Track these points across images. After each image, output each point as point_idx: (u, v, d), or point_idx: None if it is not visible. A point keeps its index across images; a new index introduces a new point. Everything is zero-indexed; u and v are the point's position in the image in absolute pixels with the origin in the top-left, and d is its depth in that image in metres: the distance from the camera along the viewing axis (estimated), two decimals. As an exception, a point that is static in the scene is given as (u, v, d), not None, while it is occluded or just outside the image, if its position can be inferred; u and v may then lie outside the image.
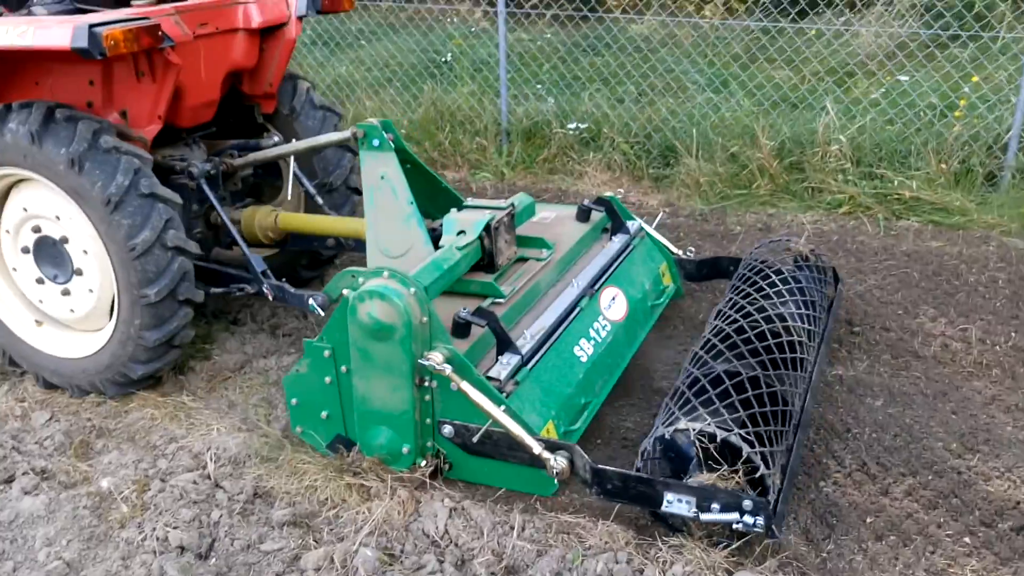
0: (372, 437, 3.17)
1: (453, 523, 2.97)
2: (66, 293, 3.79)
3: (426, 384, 3.05)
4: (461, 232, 3.52)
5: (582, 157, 6.51)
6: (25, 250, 3.82)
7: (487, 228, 3.50)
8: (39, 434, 3.58)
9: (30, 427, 3.65)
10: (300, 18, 4.15)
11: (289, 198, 4.44)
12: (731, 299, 3.65)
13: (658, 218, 4.77)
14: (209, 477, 3.26)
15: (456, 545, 2.90)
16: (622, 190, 4.82)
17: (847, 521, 2.94)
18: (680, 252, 4.44)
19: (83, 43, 3.14)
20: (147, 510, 3.10)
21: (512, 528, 2.91)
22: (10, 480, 3.31)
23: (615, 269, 3.95)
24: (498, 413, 2.90)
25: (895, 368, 3.86)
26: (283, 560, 2.89)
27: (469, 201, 3.93)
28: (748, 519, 2.61)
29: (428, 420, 3.12)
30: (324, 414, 3.25)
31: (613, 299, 3.81)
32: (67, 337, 3.91)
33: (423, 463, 3.15)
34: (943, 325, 4.17)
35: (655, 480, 2.76)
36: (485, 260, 3.54)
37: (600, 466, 2.82)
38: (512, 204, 3.76)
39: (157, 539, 2.93)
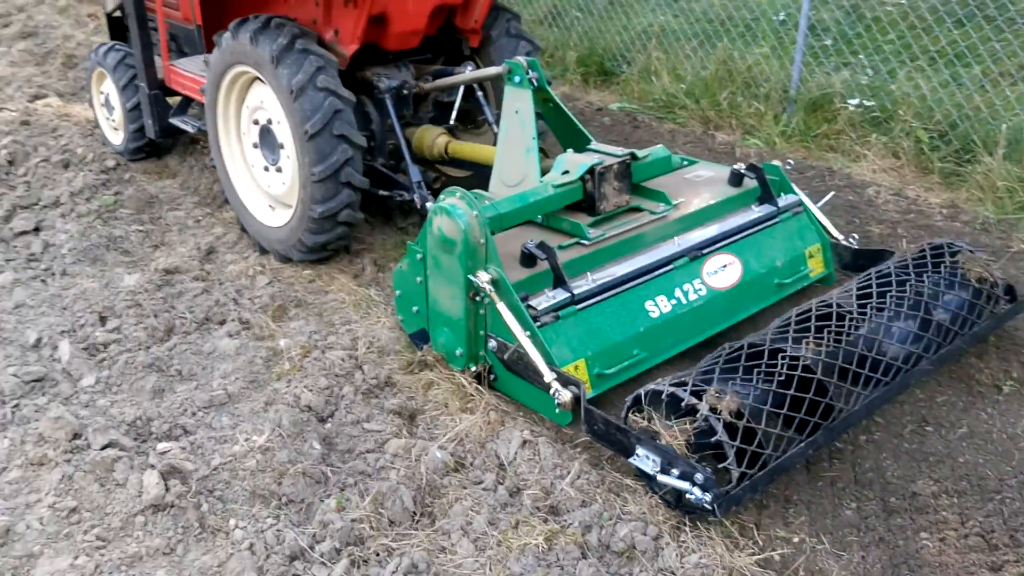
0: (438, 335, 3.56)
1: (522, 452, 3.15)
2: (279, 170, 4.48)
3: (479, 299, 3.31)
4: (565, 172, 3.67)
5: (864, 138, 6.04)
6: (255, 145, 4.60)
7: (590, 171, 3.62)
8: (255, 292, 4.30)
9: (253, 285, 4.39)
10: None
11: (488, 125, 4.80)
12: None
13: (826, 198, 4.38)
14: (356, 358, 3.75)
15: (516, 473, 3.10)
16: (792, 162, 4.43)
17: (916, 575, 2.69)
18: (841, 237, 4.12)
19: None
20: (301, 371, 3.66)
21: (568, 473, 3.05)
22: (222, 323, 4.04)
23: (741, 238, 3.84)
24: (522, 337, 3.11)
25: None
26: (376, 440, 3.29)
27: (593, 144, 4.02)
28: (698, 492, 2.63)
29: (481, 332, 3.39)
30: (415, 308, 3.65)
31: (724, 266, 3.73)
32: (275, 211, 4.66)
33: (473, 368, 3.47)
34: None
35: (631, 431, 2.85)
36: (586, 202, 3.66)
37: (591, 408, 2.95)
38: (631, 153, 3.79)
39: (294, 395, 3.46)
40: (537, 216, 3.70)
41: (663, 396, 2.83)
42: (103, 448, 2.96)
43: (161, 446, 3.07)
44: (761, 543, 2.75)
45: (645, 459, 2.81)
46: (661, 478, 2.75)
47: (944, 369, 3.71)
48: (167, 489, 2.79)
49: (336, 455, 3.19)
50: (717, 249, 3.76)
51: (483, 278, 3.20)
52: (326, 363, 3.66)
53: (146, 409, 3.28)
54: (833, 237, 4.14)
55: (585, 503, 2.92)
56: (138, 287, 4.21)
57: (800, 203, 4.10)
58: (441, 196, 3.43)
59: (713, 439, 2.69)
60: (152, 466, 2.86)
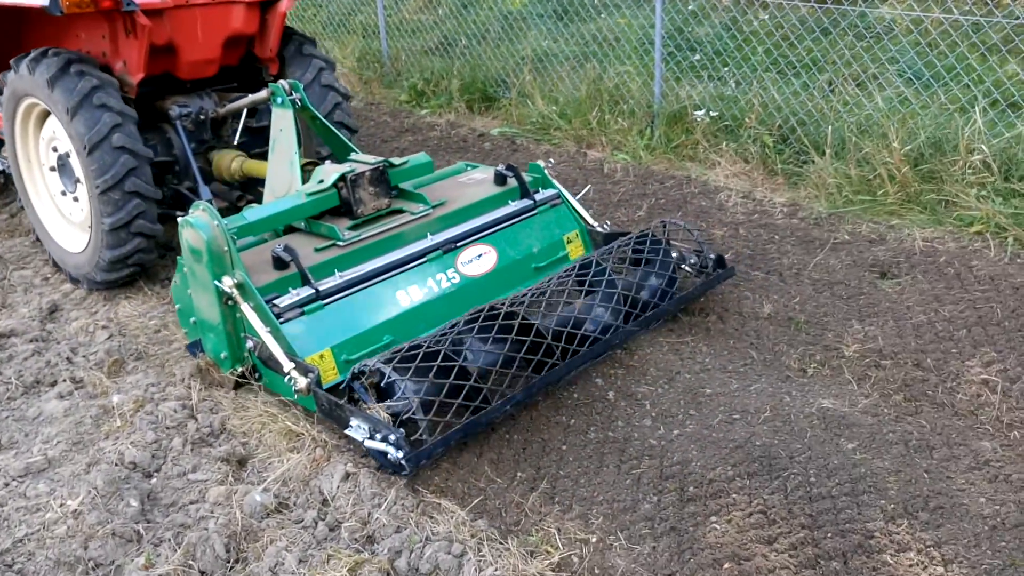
0: (205, 341, 3.82)
1: (344, 485, 3.16)
2: (76, 200, 4.71)
3: (231, 303, 3.55)
4: (320, 181, 4.00)
5: (717, 146, 6.23)
6: (52, 168, 4.83)
7: (343, 178, 3.96)
8: (92, 348, 4.21)
9: (91, 341, 4.30)
10: None
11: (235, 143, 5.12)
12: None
13: (583, 191, 4.91)
14: (190, 408, 3.70)
15: (336, 507, 3.09)
16: (552, 161, 4.83)
17: (698, 558, 2.75)
18: (596, 224, 4.57)
19: (46, 2, 4.09)
20: (130, 427, 3.60)
21: (385, 500, 3.05)
22: (52, 384, 3.96)
23: (498, 230, 4.23)
24: (263, 333, 3.42)
25: (900, 412, 3.43)
26: (200, 491, 3.25)
27: (352, 156, 4.38)
28: (394, 452, 3.02)
29: (243, 334, 3.65)
30: (192, 319, 3.86)
31: (480, 255, 4.12)
32: (76, 237, 4.85)
33: (239, 368, 3.73)
34: (993, 374, 3.61)
35: (345, 406, 3.20)
36: (344, 207, 3.99)
37: (318, 389, 3.30)
38: (385, 161, 4.12)
39: (119, 453, 3.41)
40: (293, 222, 4.02)
41: (368, 372, 3.26)
42: None
43: (-36, 523, 3.00)
44: (560, 547, 2.79)
45: (357, 428, 3.16)
46: (367, 443, 3.12)
47: (759, 358, 3.83)
48: (-46, 570, 2.72)
49: (159, 510, 3.15)
50: (472, 241, 4.12)
51: (227, 283, 3.48)
52: (158, 416, 3.62)
53: (-48, 486, 3.19)
54: (589, 224, 4.57)
55: (399, 528, 2.94)
56: (-34, 356, 4.11)
57: (559, 196, 4.54)
58: (190, 210, 3.66)
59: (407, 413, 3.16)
60: (-58, 546, 2.79)
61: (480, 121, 7.77)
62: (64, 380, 3.95)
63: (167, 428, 3.56)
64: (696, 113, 6.46)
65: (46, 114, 4.72)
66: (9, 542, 2.93)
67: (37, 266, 5.21)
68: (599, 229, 4.53)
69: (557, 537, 2.84)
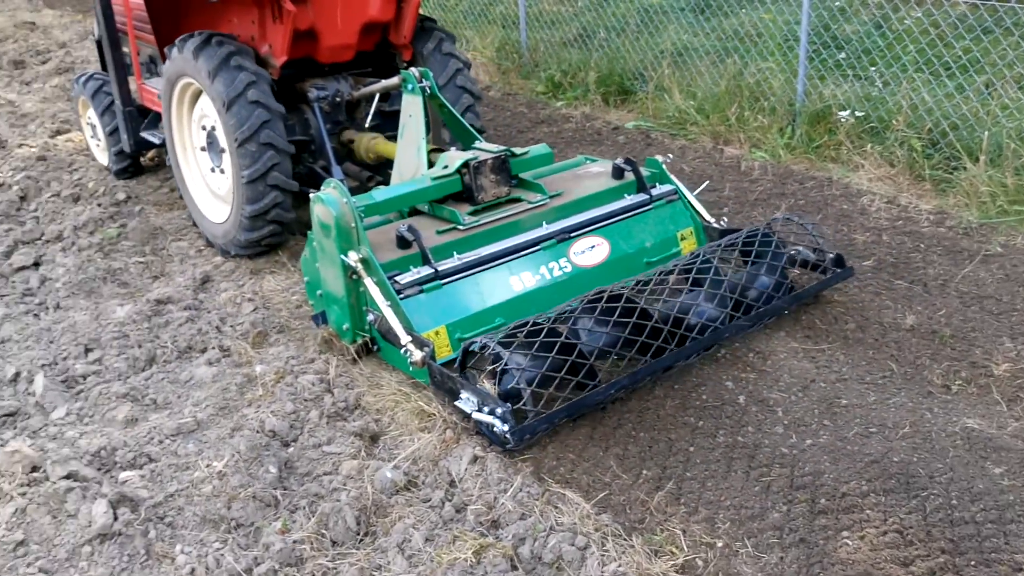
0: (329, 313, 4.04)
1: (472, 469, 3.23)
2: (221, 172, 5.00)
3: (355, 277, 3.73)
4: (445, 167, 4.18)
5: (861, 148, 6.01)
6: (202, 148, 5.16)
7: (466, 165, 4.13)
8: (239, 320, 4.45)
9: (238, 312, 4.54)
10: None
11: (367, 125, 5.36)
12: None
13: (701, 187, 4.91)
14: (328, 382, 3.85)
15: (463, 490, 3.17)
16: (671, 156, 4.83)
17: (828, 573, 2.68)
18: (712, 220, 4.55)
19: None
20: (271, 396, 3.79)
21: (511, 487, 3.10)
22: (203, 351, 4.20)
23: (612, 222, 4.29)
24: (384, 307, 3.60)
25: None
26: (334, 463, 3.39)
27: (476, 144, 4.51)
28: (501, 425, 3.14)
29: (364, 307, 3.85)
30: (319, 292, 4.07)
31: (592, 247, 4.19)
32: (221, 209, 5.18)
33: (360, 340, 3.93)
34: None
35: (456, 378, 3.37)
36: (466, 193, 4.16)
37: (431, 362, 3.47)
38: (507, 150, 4.27)
39: (260, 421, 3.59)
40: (417, 204, 4.22)
41: (480, 349, 3.37)
42: (61, 480, 3.12)
43: (123, 475, 3.22)
44: (686, 549, 2.77)
45: (467, 401, 3.31)
46: (475, 415, 3.26)
47: (900, 372, 3.68)
48: (115, 518, 2.92)
49: (295, 478, 3.30)
50: (586, 232, 4.20)
51: (353, 257, 3.67)
52: (297, 388, 3.78)
53: (114, 438, 3.43)
54: (705, 220, 4.55)
55: (524, 516, 2.98)
56: (127, 318, 4.40)
57: (676, 191, 4.56)
58: (322, 187, 3.84)
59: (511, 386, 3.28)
60: (103, 495, 3.00)
61: (615, 114, 7.73)
62: (213, 348, 4.17)
63: (305, 400, 3.72)
64: (840, 113, 6.24)
65: (198, 94, 5.02)
66: (161, 496, 3.12)
67: (192, 238, 5.51)
68: (715, 225, 4.51)
69: (682, 539, 2.82)
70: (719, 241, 4.15)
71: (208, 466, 3.29)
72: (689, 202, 4.56)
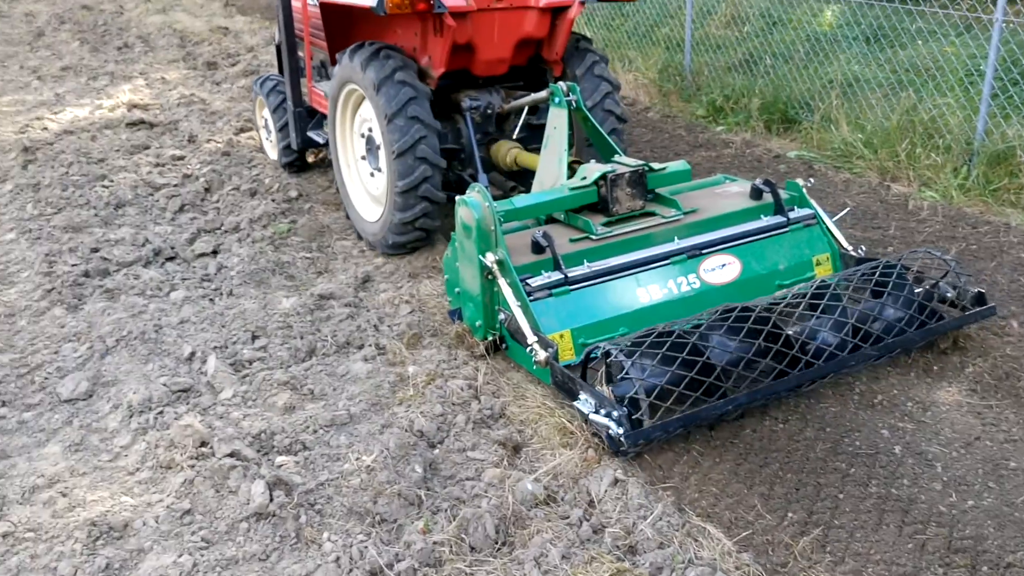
0: (465, 310, 4.25)
1: (612, 491, 3.23)
2: (379, 172, 5.31)
3: (490, 277, 3.92)
4: (583, 178, 4.31)
5: (1046, 194, 5.65)
6: (362, 157, 5.53)
7: (603, 177, 4.25)
8: (396, 320, 4.60)
9: (395, 313, 4.70)
10: (582, 3, 5.22)
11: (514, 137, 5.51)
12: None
13: (841, 213, 4.89)
14: (475, 388, 3.94)
15: (601, 511, 3.17)
16: (812, 180, 4.71)
17: None
18: (850, 248, 4.47)
19: (374, 3, 4.63)
20: (421, 397, 3.91)
21: (651, 514, 3.09)
22: (360, 347, 4.37)
23: (745, 242, 4.31)
24: (514, 307, 3.79)
25: None
26: (477, 469, 3.46)
27: (616, 157, 4.58)
28: (616, 428, 3.23)
29: (496, 306, 4.03)
30: (457, 290, 4.30)
31: (723, 265, 4.23)
32: (374, 210, 5.51)
33: (490, 337, 4.12)
34: None
35: (576, 380, 3.48)
36: (601, 205, 4.29)
37: (554, 362, 3.60)
38: (645, 165, 4.35)
39: (409, 420, 3.71)
40: (554, 213, 4.39)
41: (603, 355, 3.45)
42: (225, 457, 3.32)
43: (279, 459, 3.40)
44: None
45: (585, 402, 3.41)
46: (592, 416, 3.35)
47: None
48: (271, 499, 3.09)
49: (439, 480, 3.39)
50: (718, 250, 4.25)
51: (490, 258, 3.86)
52: (446, 391, 3.88)
53: (273, 423, 3.62)
54: (843, 247, 4.49)
55: (662, 545, 2.96)
56: (292, 310, 4.64)
57: (815, 216, 4.52)
58: (467, 192, 4.05)
59: (631, 393, 3.33)
60: (262, 476, 3.17)
61: (777, 142, 7.56)
62: (370, 345, 4.34)
63: (453, 404, 3.81)
64: (1026, 156, 5.88)
65: (362, 100, 5.33)
66: (313, 483, 3.27)
67: (355, 239, 5.76)
68: (852, 253, 4.44)
69: (825, 588, 2.73)
70: (853, 269, 4.10)
71: (358, 459, 3.42)
72: (827, 228, 4.52)
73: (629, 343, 3.48)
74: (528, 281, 3.90)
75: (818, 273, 4.43)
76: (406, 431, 3.59)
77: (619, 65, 9.85)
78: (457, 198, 4.05)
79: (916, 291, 4.02)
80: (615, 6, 10.80)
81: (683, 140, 7.83)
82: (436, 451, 3.57)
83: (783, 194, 4.54)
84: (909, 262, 4.14)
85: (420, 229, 5.18)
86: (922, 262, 4.47)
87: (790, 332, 3.64)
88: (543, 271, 3.97)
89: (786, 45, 8.80)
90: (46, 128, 8.35)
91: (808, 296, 3.84)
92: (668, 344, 3.43)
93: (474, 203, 3.94)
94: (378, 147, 5.22)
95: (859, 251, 4.47)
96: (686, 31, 9.08)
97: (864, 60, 8.34)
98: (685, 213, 4.35)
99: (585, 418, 3.45)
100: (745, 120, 7.97)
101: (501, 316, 4.03)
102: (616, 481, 3.26)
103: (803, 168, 6.86)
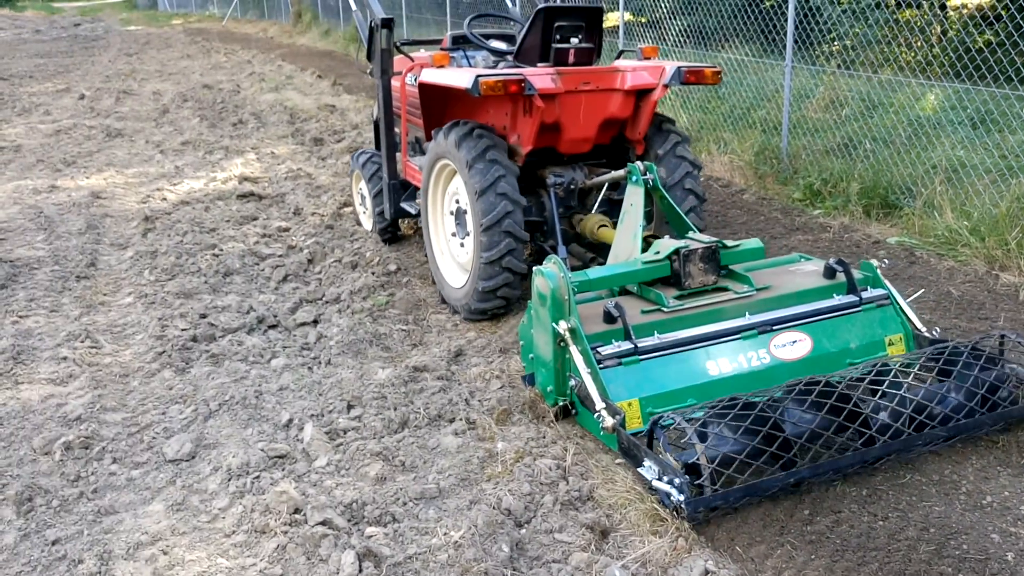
0: (537, 375, 4.40)
1: (702, 582, 3.16)
2: (463, 244, 5.61)
3: (562, 344, 4.03)
4: (657, 252, 4.47)
5: None
6: (453, 235, 5.81)
7: (676, 252, 4.38)
8: (487, 395, 4.65)
9: (486, 388, 4.75)
10: (666, 86, 5.42)
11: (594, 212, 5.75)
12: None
13: (915, 295, 5.02)
14: (564, 468, 3.93)
15: (690, 602, 3.10)
16: (887, 261, 4.71)
17: None
18: (924, 329, 4.47)
19: (469, 85, 4.86)
20: (510, 475, 3.91)
21: (742, 609, 3.00)
22: (451, 420, 4.42)
23: (817, 320, 4.36)
24: (585, 373, 3.89)
25: None
26: (564, 551, 3.43)
27: (690, 234, 4.72)
28: (677, 495, 3.28)
29: (568, 373, 4.12)
30: (531, 356, 4.43)
31: (794, 342, 4.27)
32: (459, 276, 5.78)
33: (560, 403, 4.22)
34: None
35: (641, 447, 3.56)
36: (674, 279, 4.42)
37: (620, 429, 3.69)
38: (719, 242, 4.48)
39: (497, 498, 3.71)
40: (627, 285, 4.54)
41: (666, 423, 3.54)
42: (317, 525, 3.38)
43: (369, 530, 3.44)
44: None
45: (649, 469, 3.49)
46: (655, 483, 3.42)
47: None
48: (360, 570, 3.12)
49: (525, 560, 3.37)
50: (789, 327, 4.30)
51: (563, 326, 3.99)
52: (534, 470, 3.88)
53: (364, 493, 3.68)
54: (917, 328, 4.50)
55: (753, 644, 2.86)
56: (387, 381, 4.73)
57: (888, 296, 4.56)
58: (544, 262, 4.21)
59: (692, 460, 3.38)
60: (352, 547, 3.21)
61: (876, 227, 7.43)
62: (461, 419, 4.38)
63: (541, 484, 3.80)
64: None
65: (453, 174, 5.63)
66: (402, 556, 3.30)
67: (449, 313, 5.87)
68: (926, 334, 4.44)
69: None
70: (924, 349, 4.16)
71: (446, 534, 3.43)
72: (901, 308, 4.54)
73: (696, 413, 3.53)
74: (599, 349, 4.00)
75: (890, 352, 4.44)
76: (494, 508, 3.59)
77: (714, 147, 9.89)
78: (535, 268, 4.21)
79: (987, 372, 3.96)
80: (710, 89, 10.90)
81: (779, 223, 7.77)
82: (523, 531, 3.55)
83: (857, 274, 4.59)
84: (985, 345, 4.08)
85: (501, 298, 5.41)
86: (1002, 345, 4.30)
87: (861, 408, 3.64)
88: (614, 340, 4.06)
89: (886, 129, 8.70)
90: (165, 199, 8.85)
91: (872, 372, 3.88)
92: (733, 416, 3.48)
93: (550, 273, 4.09)
94: (467, 219, 5.46)
95: (933, 332, 4.47)
96: (783, 114, 9.08)
97: (970, 145, 8.16)
98: (758, 289, 4.44)
99: (649, 485, 3.50)
100: (843, 204, 7.86)
101: (572, 382, 4.14)
102: (707, 572, 3.18)
103: (904, 255, 6.71)
